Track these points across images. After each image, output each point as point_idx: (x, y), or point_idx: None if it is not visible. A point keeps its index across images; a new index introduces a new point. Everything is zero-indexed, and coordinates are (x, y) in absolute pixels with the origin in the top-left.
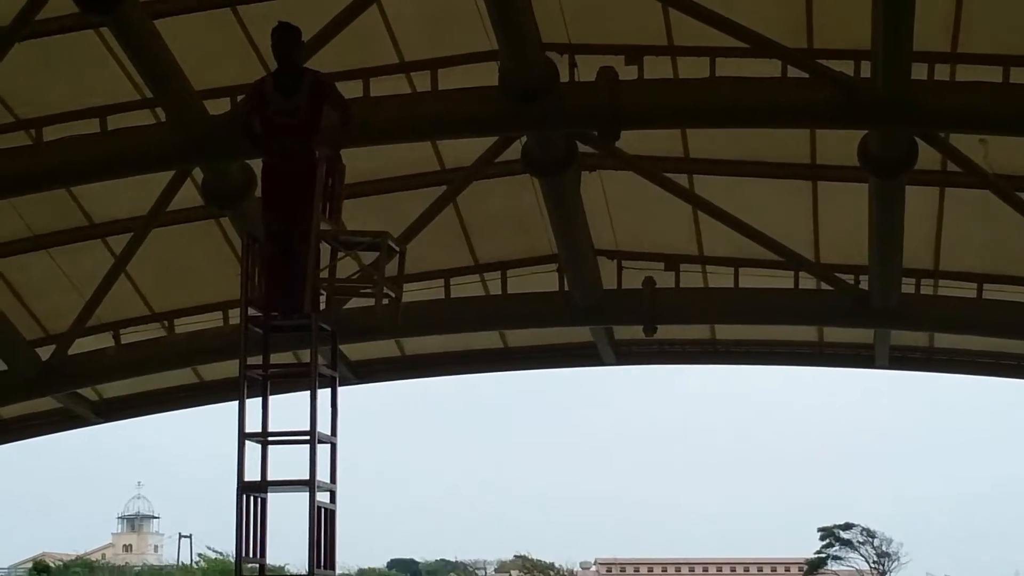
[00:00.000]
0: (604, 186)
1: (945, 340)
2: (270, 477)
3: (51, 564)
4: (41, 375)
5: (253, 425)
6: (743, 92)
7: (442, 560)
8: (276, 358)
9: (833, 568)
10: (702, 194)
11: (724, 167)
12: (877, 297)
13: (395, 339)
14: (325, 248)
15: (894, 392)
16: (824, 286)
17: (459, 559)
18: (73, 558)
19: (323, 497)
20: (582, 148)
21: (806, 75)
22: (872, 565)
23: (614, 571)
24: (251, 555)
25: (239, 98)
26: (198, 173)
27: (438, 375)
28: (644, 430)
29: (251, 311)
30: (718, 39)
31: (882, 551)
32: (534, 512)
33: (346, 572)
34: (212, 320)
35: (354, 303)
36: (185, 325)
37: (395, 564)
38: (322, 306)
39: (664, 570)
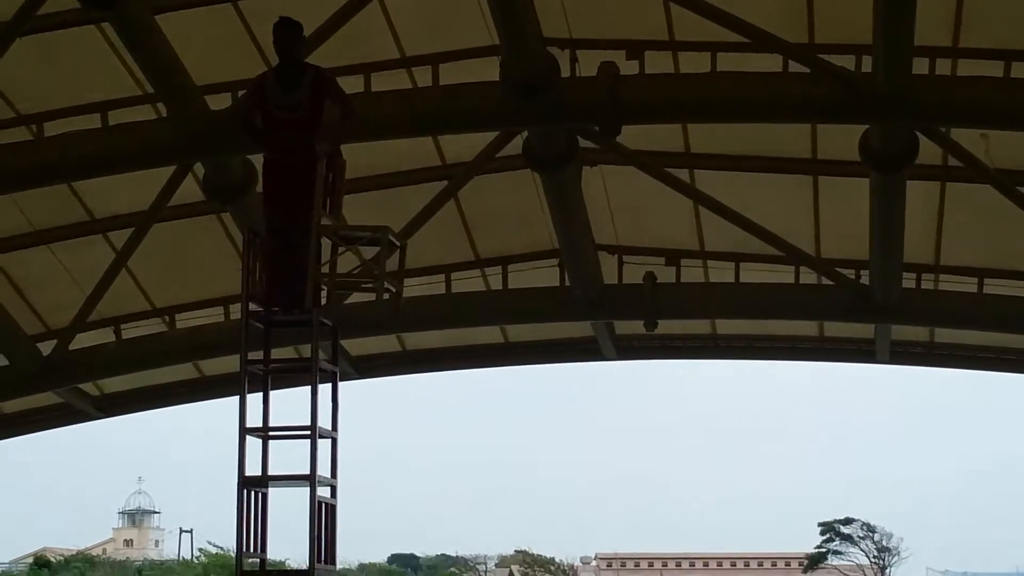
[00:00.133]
0: (605, 181)
1: (946, 335)
2: (271, 472)
3: (52, 559)
4: (42, 370)
5: (254, 420)
6: (744, 87)
7: (442, 555)
8: (277, 353)
9: (833, 563)
10: (703, 189)
11: (725, 162)
12: (878, 292)
13: (396, 334)
14: (326, 243)
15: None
16: (825, 281)
17: (459, 554)
18: (74, 553)
19: (324, 492)
20: (583, 143)
21: (807, 70)
22: (872, 560)
23: (614, 565)
24: (252, 550)
25: (240, 93)
26: (199, 168)
27: (439, 370)
28: (642, 425)
29: (252, 306)
30: (719, 34)
31: (882, 546)
32: (535, 507)
33: (347, 567)
34: (213, 315)
35: (355, 298)
36: (186, 320)
37: (396, 559)
38: (323, 301)
39: (664, 564)
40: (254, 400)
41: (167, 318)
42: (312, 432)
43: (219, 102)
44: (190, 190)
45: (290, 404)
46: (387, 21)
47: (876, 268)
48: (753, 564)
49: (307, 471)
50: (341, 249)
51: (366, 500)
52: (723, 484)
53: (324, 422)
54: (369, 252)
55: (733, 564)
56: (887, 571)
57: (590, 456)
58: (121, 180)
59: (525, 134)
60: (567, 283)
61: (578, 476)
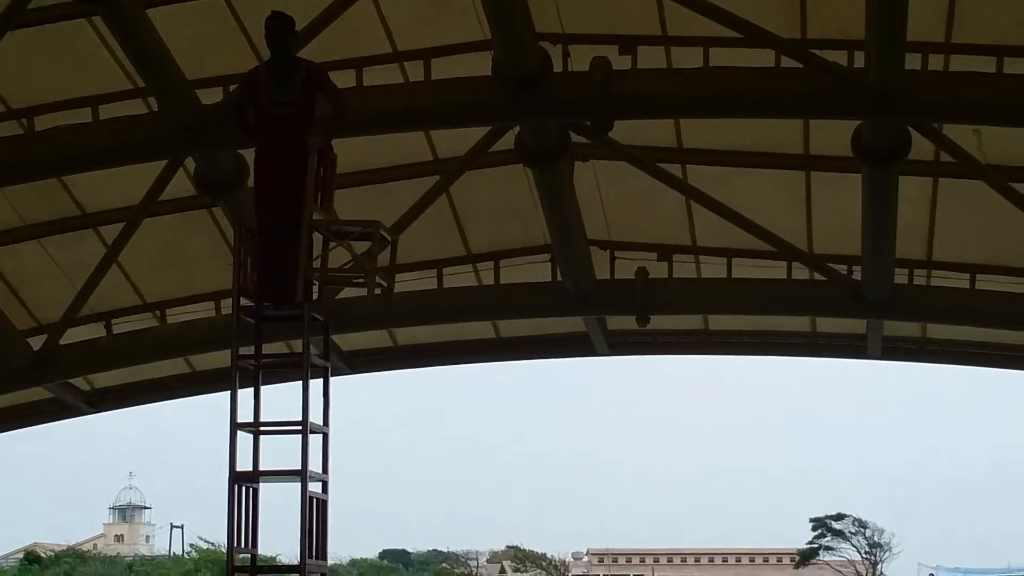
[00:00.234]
0: (597, 176)
1: (938, 330)
2: (262, 467)
3: (42, 554)
4: (33, 365)
5: (245, 415)
6: (737, 82)
7: (434, 550)
8: (268, 348)
9: (825, 559)
10: (695, 184)
11: (717, 157)
12: (870, 287)
13: (387, 329)
14: (317, 238)
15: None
16: (817, 276)
17: (451, 549)
18: (64, 548)
19: (315, 487)
20: (575, 138)
21: (800, 65)
22: (864, 556)
23: (606, 561)
24: (243, 545)
25: (232, 87)
26: (190, 163)
27: (430, 365)
28: (632, 420)
29: (243, 301)
30: (712, 28)
31: (874, 542)
32: (526, 502)
33: (338, 562)
34: (204, 310)
35: (346, 293)
36: (177, 315)
37: (387, 554)
38: (314, 296)
39: (656, 560)
40: (245, 395)
41: (158, 313)
42: (303, 427)
43: (210, 96)
44: (181, 185)
45: (281, 399)
46: (379, 15)
47: (868, 264)
48: (745, 560)
49: (298, 466)
50: (332, 244)
51: (359, 495)
52: (716, 478)
53: (316, 417)
54: (360, 247)
55: (725, 560)
56: (878, 567)
57: (580, 451)
58: (112, 174)
59: (517, 129)
60: (559, 278)
61: (571, 470)
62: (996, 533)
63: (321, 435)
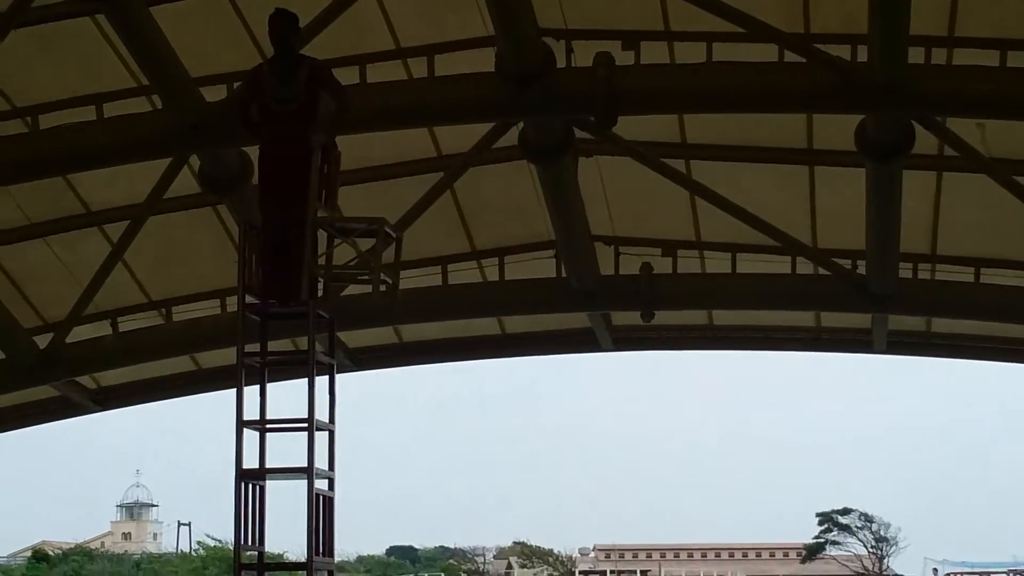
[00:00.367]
0: (601, 172)
1: (943, 324)
2: (268, 465)
3: (50, 552)
4: (39, 363)
5: (251, 413)
6: (740, 77)
7: (441, 547)
8: (274, 345)
9: (831, 553)
10: (699, 179)
11: (721, 152)
12: (874, 282)
13: (393, 326)
14: (322, 235)
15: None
16: (821, 271)
17: (458, 546)
18: (72, 546)
19: (321, 484)
20: (579, 134)
21: (803, 60)
22: (870, 550)
23: (612, 556)
24: (250, 542)
25: (236, 85)
26: (195, 160)
27: (436, 361)
28: (641, 417)
29: (248, 298)
30: (715, 24)
31: (880, 536)
32: (533, 498)
33: (345, 559)
34: (210, 308)
35: (351, 290)
36: (183, 313)
37: (394, 551)
38: (319, 293)
39: (663, 555)
40: (251, 393)
41: (163, 311)
42: (309, 425)
43: (215, 94)
44: (186, 182)
45: (287, 397)
46: (382, 12)
47: (873, 258)
48: (751, 555)
49: (304, 464)
50: (337, 241)
51: (365, 492)
52: (721, 473)
53: (322, 414)
54: (365, 244)
55: (731, 555)
56: (885, 561)
57: (586, 446)
58: (117, 173)
59: (521, 125)
60: (563, 274)
61: (574, 467)
62: (1002, 527)
63: (327, 432)
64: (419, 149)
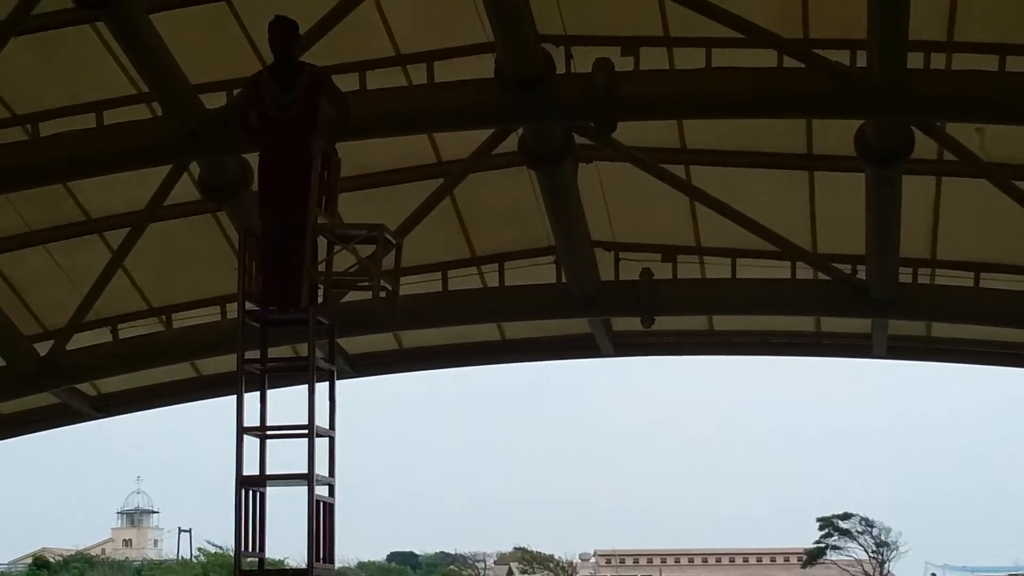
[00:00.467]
0: (601, 177)
1: (943, 329)
2: (269, 471)
3: (51, 559)
4: (39, 370)
5: (251, 419)
6: (739, 82)
7: (442, 552)
8: (274, 352)
9: (832, 558)
10: (699, 185)
11: (721, 158)
12: (874, 287)
13: (393, 332)
14: (322, 241)
15: (891, 377)
16: (821, 276)
17: (458, 551)
18: (73, 553)
19: (322, 491)
20: (579, 140)
21: (802, 65)
22: (871, 555)
23: (613, 562)
24: (250, 549)
25: (235, 92)
26: (195, 167)
27: (436, 368)
28: (640, 420)
29: (248, 305)
30: (714, 29)
31: (881, 540)
32: (533, 504)
33: (346, 565)
34: (210, 314)
35: (352, 296)
36: (183, 320)
37: (395, 557)
38: (319, 300)
39: (663, 561)
40: (251, 399)
41: (164, 318)
42: (310, 431)
43: (214, 101)
44: (186, 189)
45: (287, 403)
46: (382, 19)
47: (872, 263)
48: (752, 559)
49: (305, 470)
50: (337, 247)
51: (365, 498)
52: (721, 479)
53: (322, 421)
54: (365, 250)
55: (732, 560)
56: (886, 566)
57: (588, 453)
58: (117, 180)
59: (521, 131)
60: (563, 280)
61: (576, 474)
62: (1003, 531)
63: (327, 439)
64: (419, 155)
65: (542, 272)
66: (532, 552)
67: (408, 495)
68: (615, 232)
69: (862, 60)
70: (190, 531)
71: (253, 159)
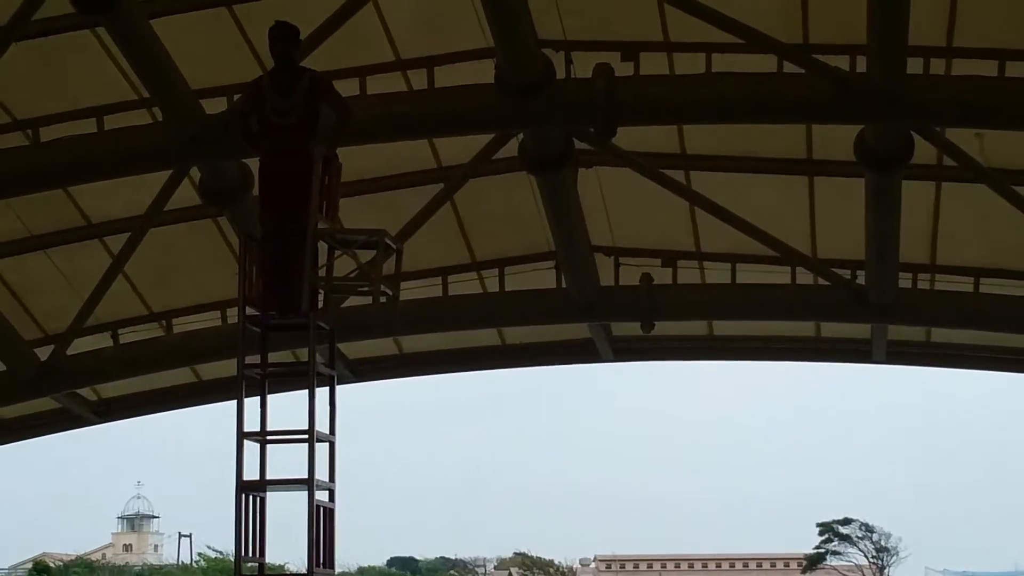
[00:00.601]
0: (601, 183)
1: (942, 335)
2: (269, 476)
3: (51, 564)
4: (40, 375)
5: (252, 424)
6: (739, 87)
7: (442, 558)
8: (274, 357)
9: (832, 563)
10: (699, 190)
11: (721, 163)
12: (874, 292)
13: (393, 337)
14: (322, 246)
15: (891, 382)
16: (821, 281)
17: (459, 557)
18: (73, 558)
19: (322, 496)
20: (579, 145)
21: (802, 70)
22: (871, 560)
23: (613, 567)
24: (250, 554)
25: (236, 97)
26: (195, 172)
27: (436, 373)
28: (641, 424)
29: (249, 310)
30: (714, 35)
31: (881, 546)
32: (533, 509)
33: (346, 571)
34: (210, 319)
35: (352, 301)
36: (183, 324)
37: (395, 562)
38: (320, 305)
39: (663, 566)
40: (252, 404)
41: (164, 322)
42: (310, 436)
43: (215, 106)
44: (186, 194)
45: (287, 408)
46: (382, 24)
47: (872, 268)
48: (752, 565)
49: (305, 475)
50: (337, 252)
51: (364, 503)
52: (722, 485)
53: (322, 426)
54: (366, 255)
55: (732, 565)
56: (886, 571)
57: (587, 456)
58: (117, 184)
59: (521, 136)
60: (563, 285)
61: (576, 477)
62: (1003, 535)
63: (328, 444)
64: (419, 160)
65: (542, 277)
66: (532, 557)
67: (408, 499)
68: (615, 237)
69: (862, 65)
70: (190, 536)
71: (253, 164)
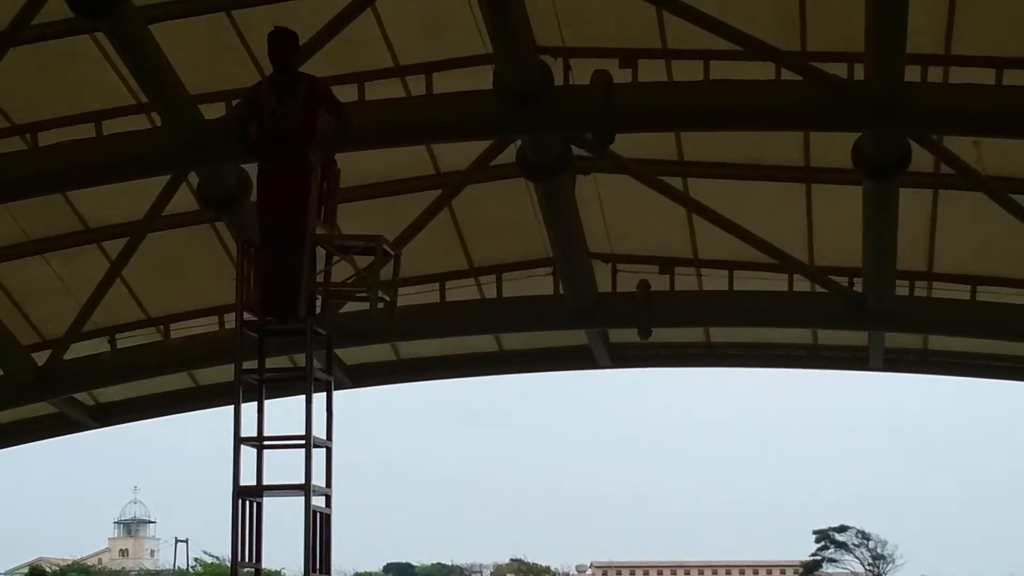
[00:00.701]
0: (598, 189)
1: (939, 342)
2: (266, 481)
3: (47, 569)
4: (37, 380)
5: (249, 429)
6: (737, 95)
7: (438, 564)
8: (272, 362)
9: (828, 570)
10: (696, 197)
11: (718, 170)
12: (871, 299)
13: (390, 343)
14: (320, 252)
15: (889, 390)
16: (818, 288)
17: (455, 563)
18: (69, 563)
19: (318, 501)
20: (576, 151)
21: (800, 77)
22: (867, 567)
23: (610, 574)
24: (247, 559)
25: (234, 102)
26: (193, 178)
27: (433, 379)
28: (637, 431)
29: (247, 315)
30: (712, 42)
31: (877, 553)
32: (530, 515)
33: None
34: (208, 324)
35: (349, 307)
36: (181, 329)
37: (391, 568)
38: (317, 310)
39: (660, 573)
40: (249, 409)
41: (162, 328)
42: (307, 442)
43: (213, 111)
44: (184, 200)
45: (285, 414)
46: (381, 30)
47: (869, 275)
48: (749, 572)
49: (302, 480)
50: (335, 258)
51: (361, 508)
52: (718, 491)
53: (319, 431)
54: (363, 261)
55: (728, 572)
56: None
57: (584, 463)
58: (115, 190)
59: (519, 143)
60: (561, 291)
61: (572, 483)
62: (997, 542)
63: (324, 449)
64: (417, 166)
65: (540, 283)
66: (529, 564)
67: (405, 505)
68: (613, 244)
69: (860, 73)
70: (187, 541)
71: (252, 169)
